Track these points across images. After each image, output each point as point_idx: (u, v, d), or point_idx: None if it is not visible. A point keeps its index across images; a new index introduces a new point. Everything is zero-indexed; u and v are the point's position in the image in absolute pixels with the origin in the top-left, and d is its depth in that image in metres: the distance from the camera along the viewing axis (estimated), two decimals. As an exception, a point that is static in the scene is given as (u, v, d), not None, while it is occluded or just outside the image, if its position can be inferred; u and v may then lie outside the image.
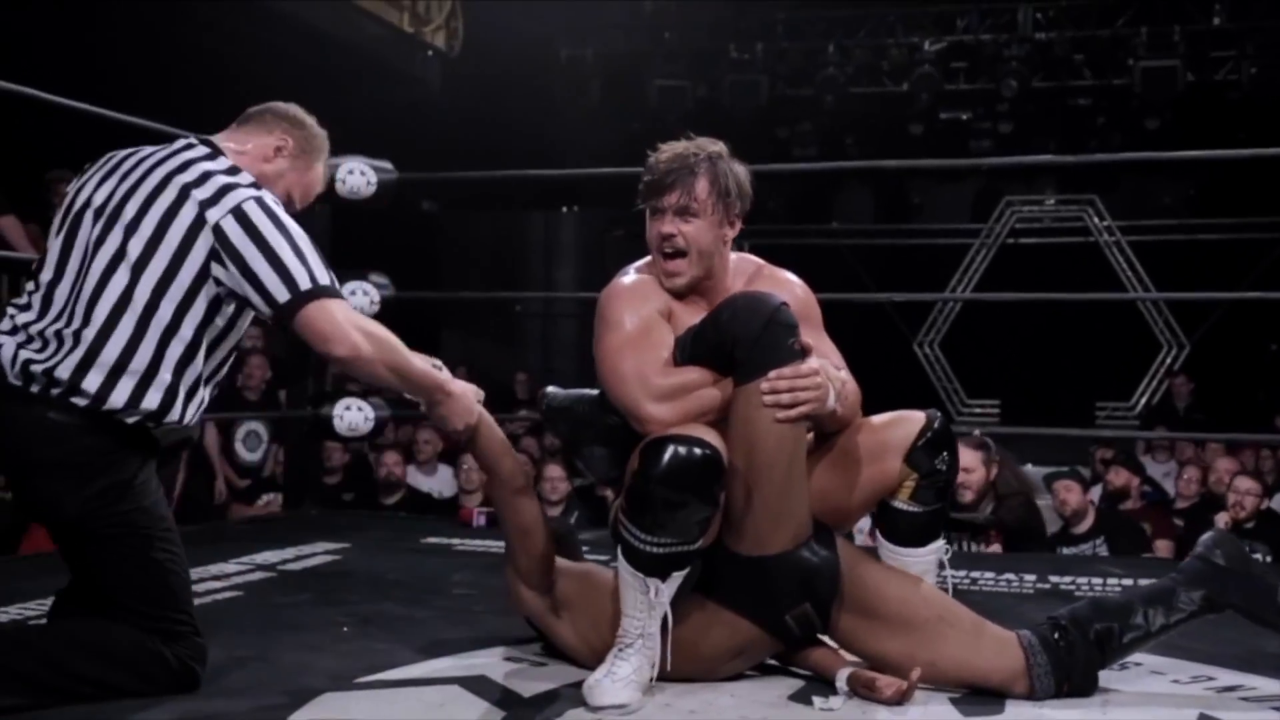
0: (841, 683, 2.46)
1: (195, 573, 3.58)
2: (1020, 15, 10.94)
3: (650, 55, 11.32)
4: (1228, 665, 2.68)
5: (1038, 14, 10.93)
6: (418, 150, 6.23)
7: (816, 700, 2.43)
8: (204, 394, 2.40)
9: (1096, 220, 12.98)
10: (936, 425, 2.56)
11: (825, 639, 2.57)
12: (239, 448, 6.73)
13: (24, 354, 2.29)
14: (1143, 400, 12.38)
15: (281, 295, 2.28)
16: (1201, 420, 9.15)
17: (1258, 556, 5.06)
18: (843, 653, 2.55)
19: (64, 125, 4.44)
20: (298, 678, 2.48)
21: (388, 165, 4.79)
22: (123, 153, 2.47)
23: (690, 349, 2.45)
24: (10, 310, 2.39)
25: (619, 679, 2.36)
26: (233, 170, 2.40)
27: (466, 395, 2.54)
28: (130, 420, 2.29)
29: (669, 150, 2.59)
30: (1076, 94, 11.17)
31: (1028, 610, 3.20)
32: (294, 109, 2.60)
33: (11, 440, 2.30)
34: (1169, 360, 12.36)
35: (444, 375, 2.52)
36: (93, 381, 2.26)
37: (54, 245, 2.41)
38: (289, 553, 4.03)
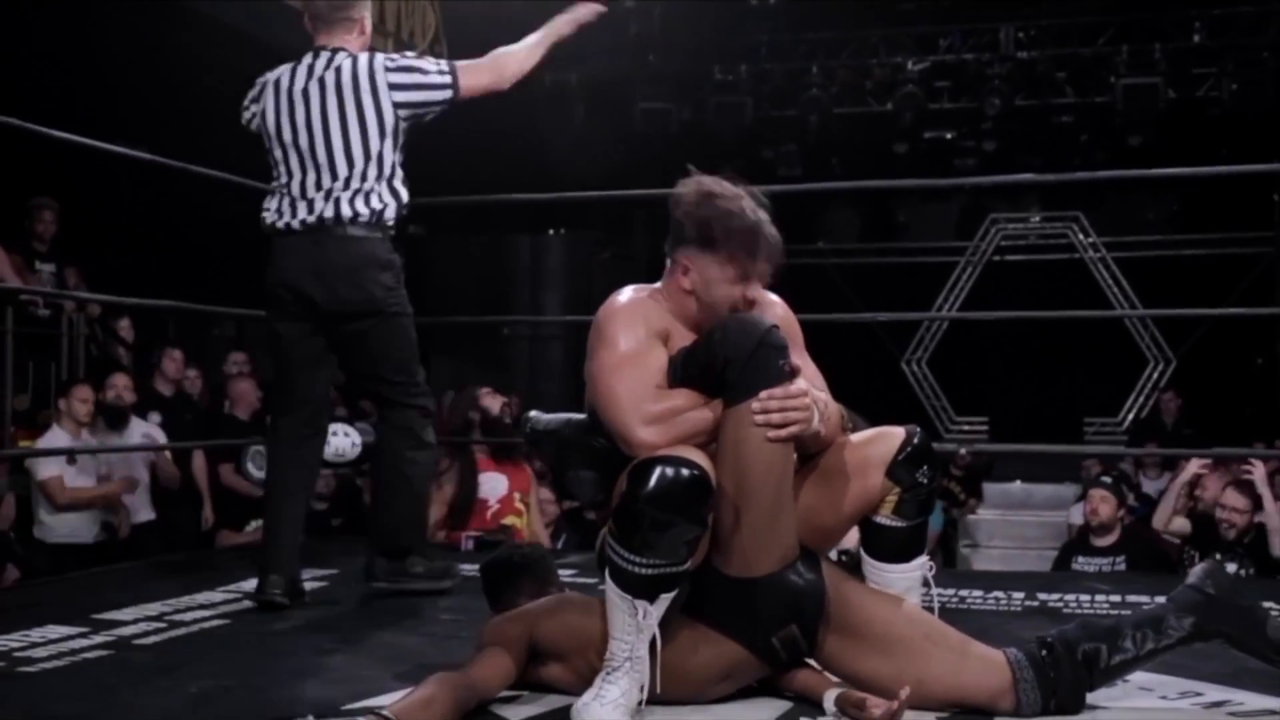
0: (829, 704, 2.46)
1: (183, 601, 3.60)
2: (1002, 34, 10.99)
3: (634, 78, 11.35)
4: (1215, 681, 2.67)
5: (1019, 33, 10.99)
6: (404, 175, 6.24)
7: (805, 722, 2.43)
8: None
9: (1081, 237, 13.04)
10: (916, 439, 2.58)
11: (811, 662, 2.57)
12: (249, 467, 6.73)
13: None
14: (1130, 416, 12.41)
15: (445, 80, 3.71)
16: (1190, 436, 9.17)
17: (1240, 572, 5.08)
18: (828, 675, 2.55)
19: (45, 153, 4.44)
20: (285, 706, 2.47)
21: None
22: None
23: (682, 370, 2.46)
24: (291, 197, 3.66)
25: (607, 702, 2.35)
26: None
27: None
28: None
29: (756, 216, 2.55)
30: (1059, 112, 11.22)
31: (1015, 628, 3.20)
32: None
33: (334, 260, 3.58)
34: (1156, 376, 12.40)
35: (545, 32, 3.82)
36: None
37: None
38: (276, 580, 4.00)
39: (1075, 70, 10.86)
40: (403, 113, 3.64)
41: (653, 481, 2.28)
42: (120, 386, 6.36)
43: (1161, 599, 3.63)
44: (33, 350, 7.28)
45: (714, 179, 2.60)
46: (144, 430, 6.40)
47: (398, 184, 3.67)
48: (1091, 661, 2.45)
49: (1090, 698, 2.48)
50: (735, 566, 2.46)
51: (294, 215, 3.62)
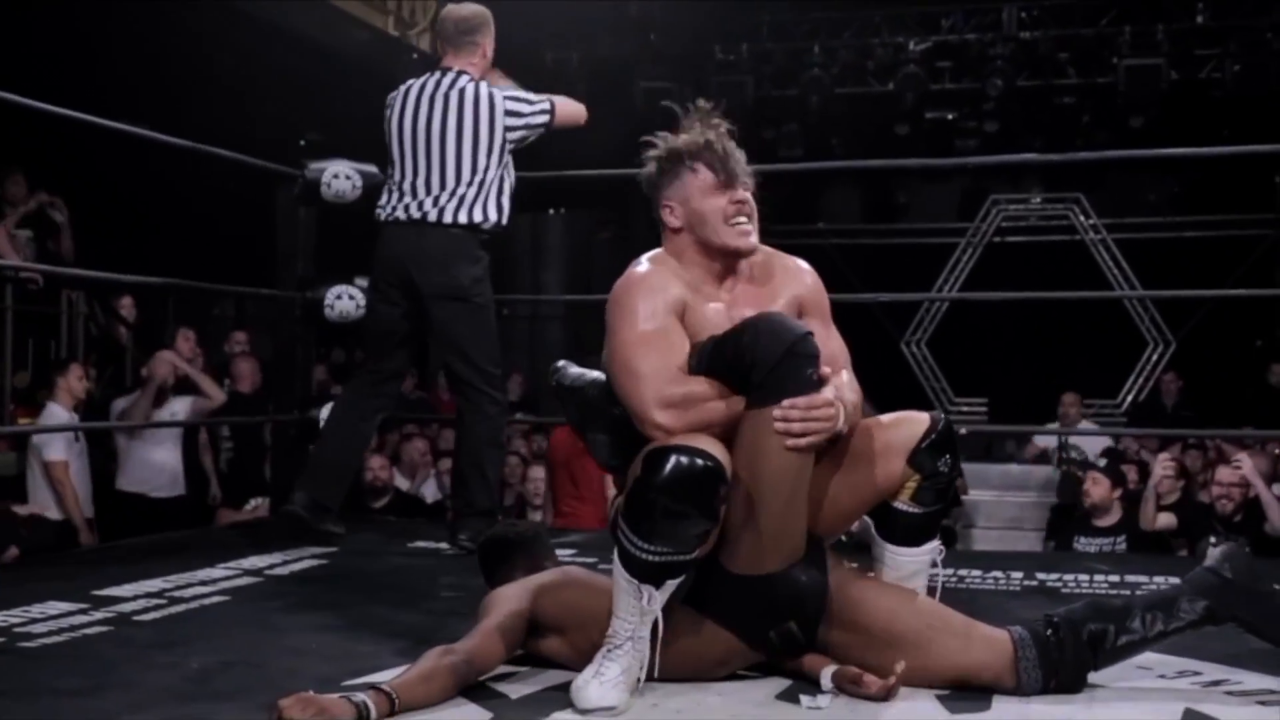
0: (826, 681, 2.47)
1: (182, 578, 3.61)
2: (1005, 15, 10.96)
3: (636, 58, 11.31)
4: (1214, 660, 2.68)
5: (1022, 13, 10.96)
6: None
7: (804, 699, 2.43)
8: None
9: (1082, 219, 13.01)
10: (940, 427, 2.57)
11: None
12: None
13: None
14: (1129, 398, 12.41)
15: (543, 109, 4.24)
16: (1190, 417, 9.17)
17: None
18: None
19: (49, 132, 4.43)
20: (285, 681, 2.47)
21: (374, 169, 4.78)
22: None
23: (708, 362, 2.43)
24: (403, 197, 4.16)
25: (607, 680, 2.36)
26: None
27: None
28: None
29: (716, 133, 2.63)
30: (1061, 93, 11.19)
31: (1015, 608, 3.20)
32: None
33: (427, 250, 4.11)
34: (1156, 357, 12.40)
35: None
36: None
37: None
38: (276, 557, 4.01)
39: (1077, 51, 10.83)
40: (511, 135, 4.21)
41: (667, 470, 2.27)
42: (170, 368, 6.37)
43: (1160, 579, 3.66)
44: (32, 328, 7.27)
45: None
46: (175, 408, 6.42)
47: (503, 199, 4.21)
48: (1097, 642, 2.44)
49: (1090, 677, 2.48)
50: (740, 564, 2.46)
51: (404, 210, 4.17)
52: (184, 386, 6.61)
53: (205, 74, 7.56)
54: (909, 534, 2.62)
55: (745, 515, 2.41)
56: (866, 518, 4.10)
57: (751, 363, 2.36)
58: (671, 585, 2.37)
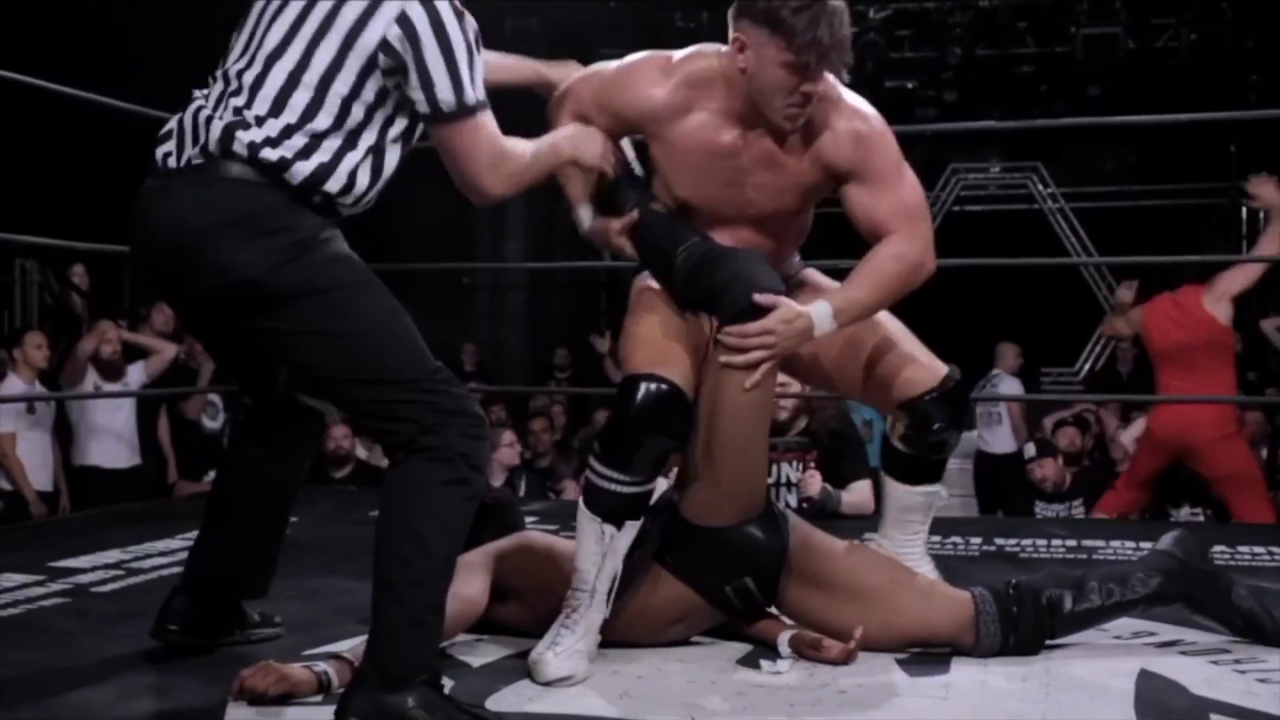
0: (784, 647, 2.49)
1: (141, 549, 3.58)
2: (963, -19, 10.97)
3: (596, 25, 11.25)
4: (1167, 621, 2.72)
5: (977, -21, 10.97)
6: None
7: (764, 664, 2.46)
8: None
9: (1040, 187, 13.08)
10: (950, 388, 2.63)
11: (773, 610, 2.59)
12: (201, 418, 6.70)
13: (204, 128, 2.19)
14: (1086, 366, 12.51)
15: (448, 99, 2.18)
16: (1144, 384, 9.25)
17: (1200, 517, 5.17)
18: (783, 618, 2.57)
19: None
20: (244, 653, 2.46)
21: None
22: None
23: (684, 285, 2.50)
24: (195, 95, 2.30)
25: (562, 650, 2.37)
26: None
27: (588, 137, 2.57)
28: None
29: (831, 29, 2.38)
30: (1019, 62, 11.21)
31: (975, 572, 3.23)
32: None
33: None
34: (1113, 325, 12.50)
35: (554, 145, 2.51)
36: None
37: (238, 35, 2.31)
38: (236, 528, 3.98)
39: (1035, 20, 10.85)
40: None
41: (638, 397, 2.38)
42: (113, 339, 6.28)
43: (1116, 544, 3.73)
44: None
45: None
46: (130, 379, 6.35)
47: None
48: (1055, 607, 2.49)
49: (1046, 641, 2.51)
50: (698, 513, 2.51)
51: None
52: (134, 352, 6.54)
53: (173, 47, 7.45)
54: (900, 469, 2.72)
55: (704, 459, 2.46)
56: (829, 487, 4.13)
57: (715, 308, 2.43)
58: (631, 528, 2.44)
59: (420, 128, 2.31)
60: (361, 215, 2.32)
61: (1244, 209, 11.48)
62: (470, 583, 2.49)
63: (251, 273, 2.12)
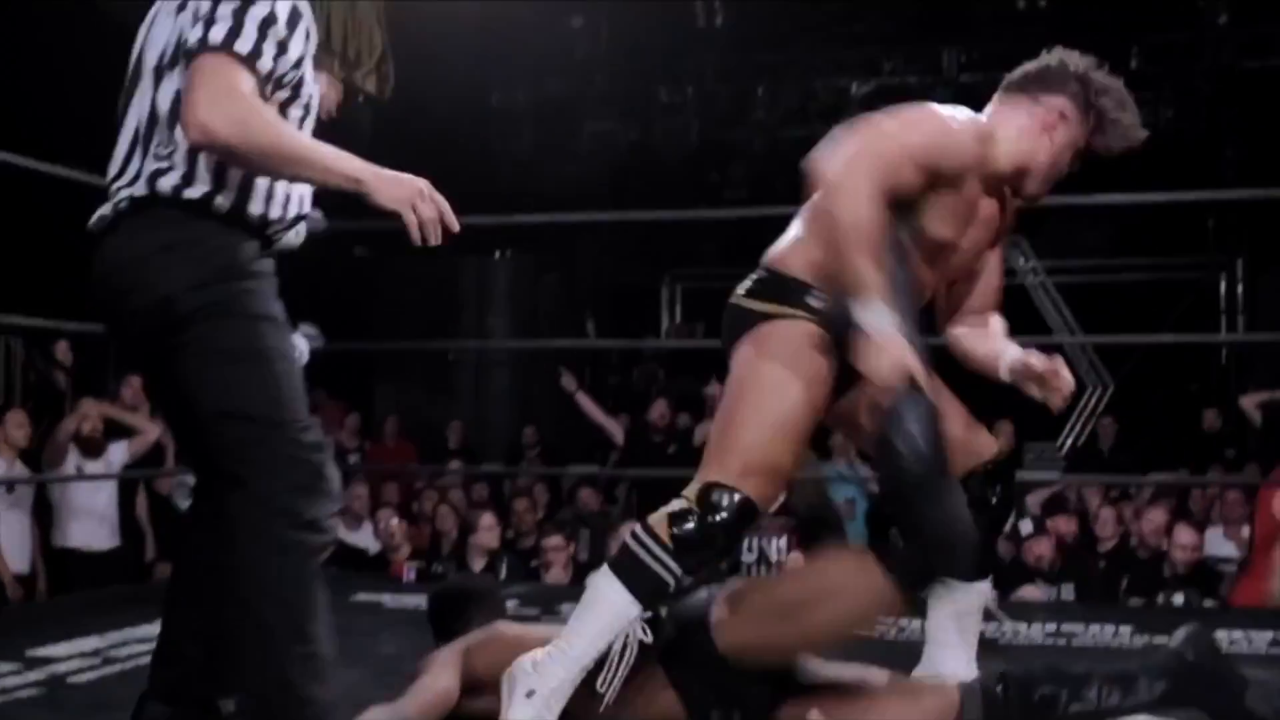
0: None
1: (120, 635, 3.55)
2: (945, 58, 11.13)
3: (582, 99, 11.37)
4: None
5: (961, 56, 11.13)
6: (350, 196, 6.22)
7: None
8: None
9: (1023, 261, 13.16)
10: (1001, 461, 2.64)
11: None
12: (173, 496, 6.67)
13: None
14: (1069, 442, 12.51)
15: (200, 34, 2.15)
16: (1126, 462, 9.28)
17: (1186, 601, 5.15)
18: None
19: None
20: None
21: (316, 214, 4.73)
22: None
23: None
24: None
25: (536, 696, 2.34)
26: None
27: (398, 180, 2.37)
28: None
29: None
30: (1001, 135, 11.33)
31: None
32: None
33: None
34: (1094, 402, 12.52)
35: (355, 164, 2.36)
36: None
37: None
38: (216, 612, 3.94)
39: (1015, 95, 10.99)
40: None
41: (737, 514, 2.36)
42: (94, 416, 6.24)
43: (1095, 627, 3.72)
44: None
45: None
46: (113, 457, 6.31)
47: None
48: (1049, 706, 2.42)
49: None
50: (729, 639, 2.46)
51: None
52: (117, 430, 6.50)
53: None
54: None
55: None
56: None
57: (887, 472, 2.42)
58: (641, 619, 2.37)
59: (314, 114, 2.41)
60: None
61: (1222, 283, 11.61)
62: (440, 677, 2.47)
63: (167, 290, 2.18)
